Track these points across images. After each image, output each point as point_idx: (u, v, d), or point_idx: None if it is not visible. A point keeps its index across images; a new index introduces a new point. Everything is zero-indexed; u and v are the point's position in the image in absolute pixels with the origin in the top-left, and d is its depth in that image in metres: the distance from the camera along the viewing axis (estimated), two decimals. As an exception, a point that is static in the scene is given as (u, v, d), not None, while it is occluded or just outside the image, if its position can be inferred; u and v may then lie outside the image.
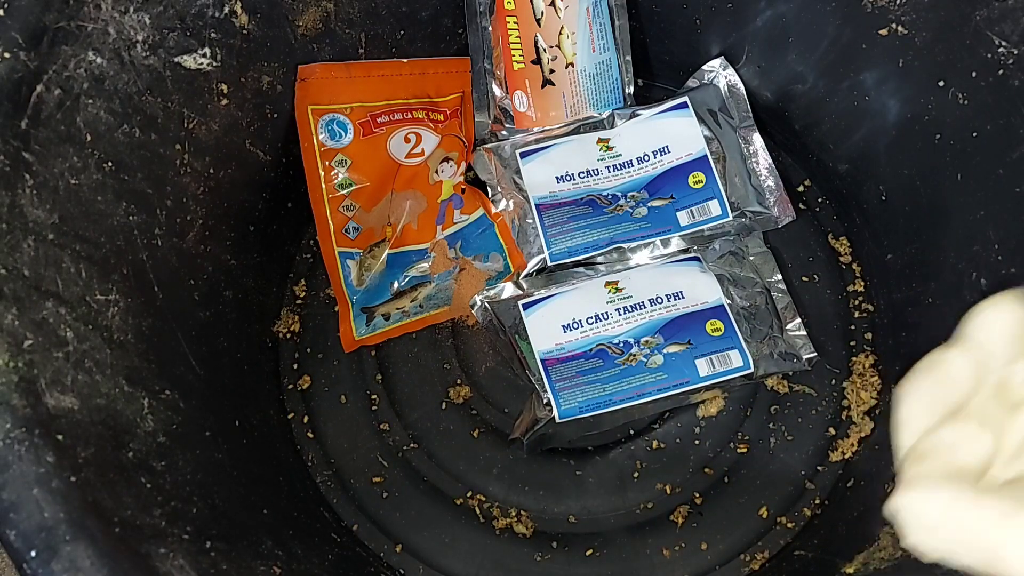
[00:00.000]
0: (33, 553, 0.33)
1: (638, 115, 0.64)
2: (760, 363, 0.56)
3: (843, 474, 0.57)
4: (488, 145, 0.64)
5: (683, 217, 0.61)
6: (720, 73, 0.65)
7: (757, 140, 0.64)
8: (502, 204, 0.62)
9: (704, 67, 0.65)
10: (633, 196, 0.62)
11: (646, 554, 0.56)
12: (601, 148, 0.63)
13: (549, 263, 0.60)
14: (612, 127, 0.64)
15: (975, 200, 0.49)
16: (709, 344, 0.56)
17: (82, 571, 0.33)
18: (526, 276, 0.61)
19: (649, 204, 0.61)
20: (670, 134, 0.63)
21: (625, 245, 0.61)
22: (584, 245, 0.60)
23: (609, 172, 0.63)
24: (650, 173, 0.62)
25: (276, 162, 0.60)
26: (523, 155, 0.63)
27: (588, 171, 0.63)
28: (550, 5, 0.62)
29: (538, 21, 0.62)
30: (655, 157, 0.63)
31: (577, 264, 0.62)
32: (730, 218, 0.61)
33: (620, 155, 0.63)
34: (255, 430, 0.54)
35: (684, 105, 0.64)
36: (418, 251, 0.63)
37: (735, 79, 0.64)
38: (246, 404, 0.55)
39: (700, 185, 0.62)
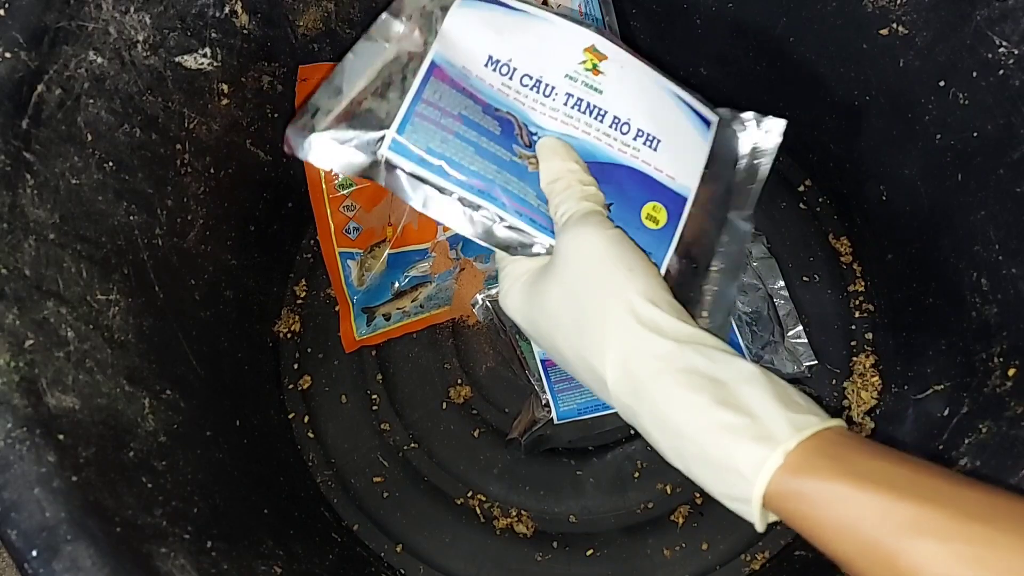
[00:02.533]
0: (34, 553, 0.33)
1: (658, 76, 0.45)
2: (760, 363, 0.56)
3: (843, 474, 0.57)
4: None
5: None
6: (753, 129, 0.48)
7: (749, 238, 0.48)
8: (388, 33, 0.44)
9: (743, 114, 0.49)
10: None
11: (646, 554, 0.56)
12: (587, 62, 0.44)
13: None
14: (617, 55, 0.44)
15: (975, 200, 0.49)
16: None
17: (83, 571, 0.33)
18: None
19: None
20: (670, 131, 0.44)
21: (495, 212, 0.42)
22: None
23: (566, 103, 0.43)
24: (610, 152, 0.43)
25: (276, 162, 0.60)
26: None
27: (540, 80, 0.43)
28: (543, 4, 0.61)
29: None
30: (633, 139, 0.43)
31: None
32: None
33: (601, 92, 0.43)
34: (256, 430, 0.54)
35: (707, 124, 0.46)
36: (419, 251, 0.63)
37: (766, 142, 0.49)
38: (247, 404, 0.55)
39: (652, 226, 0.43)
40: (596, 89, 0.43)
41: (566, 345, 0.38)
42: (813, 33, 0.57)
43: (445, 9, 0.43)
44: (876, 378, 0.58)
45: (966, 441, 0.46)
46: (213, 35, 0.51)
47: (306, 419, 0.61)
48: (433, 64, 0.42)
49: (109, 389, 0.40)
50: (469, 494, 0.58)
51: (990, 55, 0.46)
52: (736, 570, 0.56)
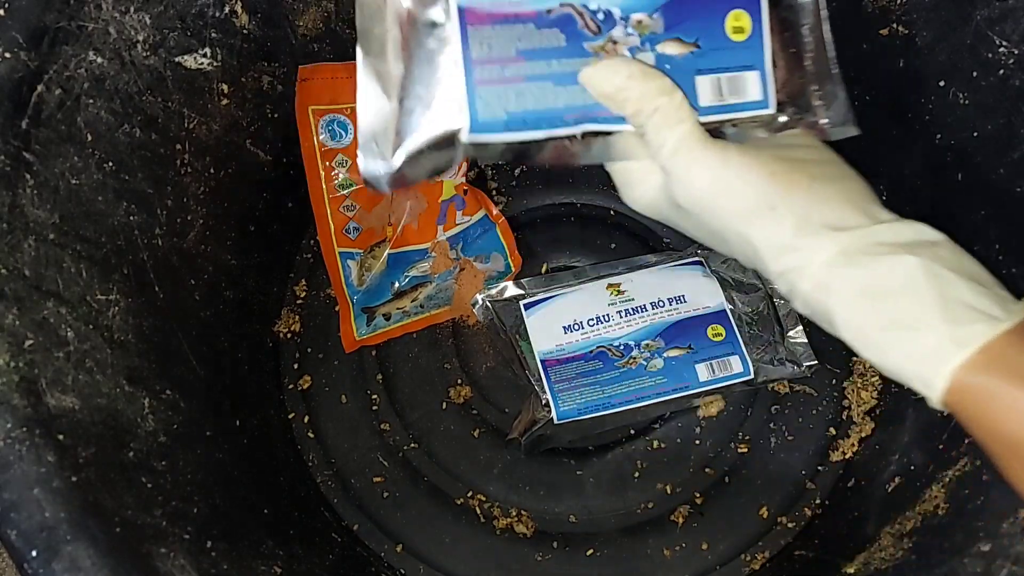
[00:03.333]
0: (34, 553, 0.33)
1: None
2: (760, 369, 0.56)
3: (843, 474, 0.57)
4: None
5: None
6: None
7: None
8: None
9: None
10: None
11: (646, 554, 0.56)
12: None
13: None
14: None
15: (975, 200, 0.49)
16: (710, 349, 0.56)
17: (83, 571, 0.33)
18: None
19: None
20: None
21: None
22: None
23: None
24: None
25: (276, 162, 0.60)
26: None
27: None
28: None
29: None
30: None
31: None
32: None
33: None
34: (256, 430, 0.54)
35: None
36: (419, 251, 0.63)
37: None
38: (247, 404, 0.55)
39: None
40: None
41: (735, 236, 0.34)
42: (813, 33, 0.57)
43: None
44: (876, 378, 0.58)
45: (966, 441, 0.46)
46: (213, 35, 0.51)
47: (306, 419, 0.61)
48: (461, 10, 0.34)
49: (109, 389, 0.40)
50: (469, 494, 0.58)
51: (990, 55, 0.46)
52: (736, 570, 0.56)
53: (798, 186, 0.34)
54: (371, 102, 0.34)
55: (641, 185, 0.37)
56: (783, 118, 0.39)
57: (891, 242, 0.34)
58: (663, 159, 0.34)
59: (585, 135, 0.36)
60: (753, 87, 0.38)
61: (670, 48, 0.36)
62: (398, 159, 0.34)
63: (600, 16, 0.36)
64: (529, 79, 0.35)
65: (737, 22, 0.37)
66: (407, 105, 0.34)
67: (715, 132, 0.37)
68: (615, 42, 0.35)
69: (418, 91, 0.34)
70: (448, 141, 0.35)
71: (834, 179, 0.36)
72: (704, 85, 0.37)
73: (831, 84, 0.41)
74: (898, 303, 0.32)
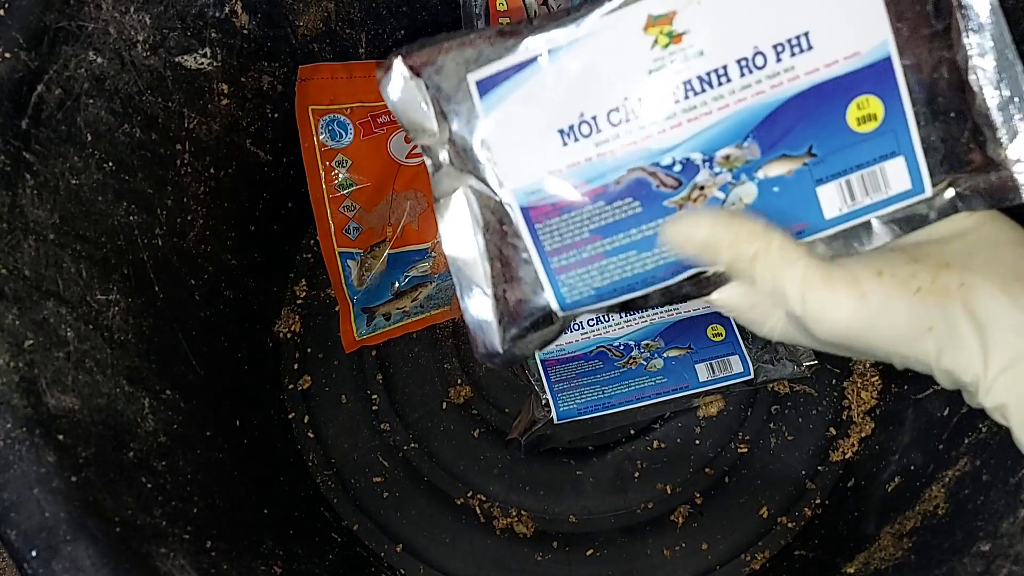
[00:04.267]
0: (34, 553, 0.33)
1: None
2: (760, 369, 0.56)
3: (843, 474, 0.57)
4: None
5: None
6: None
7: None
8: None
9: None
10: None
11: (646, 554, 0.56)
12: (658, 39, 0.49)
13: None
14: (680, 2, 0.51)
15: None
16: (710, 349, 0.56)
17: (83, 571, 0.33)
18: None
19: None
20: (811, 12, 0.33)
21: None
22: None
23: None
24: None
25: (276, 162, 0.60)
26: None
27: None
28: (542, 4, 0.62)
29: (531, 21, 0.62)
30: (777, 63, 0.34)
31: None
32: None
33: (702, 53, 0.34)
34: (256, 430, 0.54)
35: None
36: (419, 251, 0.63)
37: None
38: (247, 404, 0.55)
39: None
40: (696, 55, 0.31)
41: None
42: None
43: (471, 128, 0.33)
44: (876, 378, 0.58)
45: (966, 441, 0.46)
46: (213, 35, 0.51)
47: (306, 419, 0.61)
48: (523, 210, 0.33)
49: (109, 389, 0.40)
50: (469, 494, 0.58)
51: (990, 55, 0.46)
52: (736, 570, 0.56)
53: (949, 294, 0.30)
54: (470, 298, 0.34)
55: (767, 322, 0.33)
56: (949, 192, 0.32)
57: None
58: (788, 307, 0.31)
59: (690, 278, 0.33)
60: (898, 177, 0.32)
61: (775, 169, 0.32)
62: (504, 346, 0.34)
63: (677, 168, 0.32)
64: (609, 254, 0.33)
65: (863, 110, 0.31)
66: (502, 295, 0.34)
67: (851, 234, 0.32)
68: (702, 187, 0.32)
69: (509, 282, 0.34)
70: (547, 319, 0.35)
71: (988, 261, 0.31)
72: (829, 195, 0.32)
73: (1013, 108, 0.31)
74: None
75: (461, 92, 0.32)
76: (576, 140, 0.32)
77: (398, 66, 0.33)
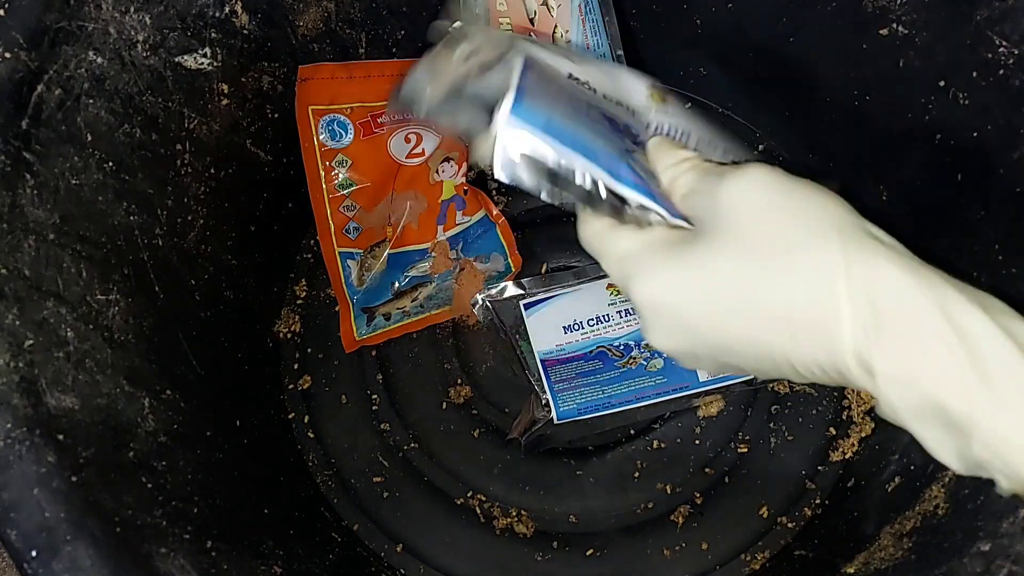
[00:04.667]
0: (34, 553, 0.33)
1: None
2: None
3: (843, 474, 0.57)
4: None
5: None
6: None
7: None
8: None
9: None
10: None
11: (646, 554, 0.56)
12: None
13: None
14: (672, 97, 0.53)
15: (975, 200, 0.49)
16: None
17: (83, 571, 0.33)
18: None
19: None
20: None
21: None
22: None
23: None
24: None
25: (277, 162, 0.60)
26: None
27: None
28: (542, 4, 0.62)
29: (531, 20, 0.62)
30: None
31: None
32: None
33: (675, 117, 0.48)
34: (256, 430, 0.54)
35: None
36: (419, 251, 0.63)
37: None
38: (247, 404, 0.55)
39: None
40: (674, 115, 0.42)
41: (752, 307, 0.30)
42: (813, 33, 0.57)
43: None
44: (876, 378, 0.58)
45: (966, 441, 0.46)
46: (213, 35, 0.51)
47: (306, 419, 0.61)
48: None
49: (109, 389, 0.40)
50: (469, 494, 0.58)
51: (990, 55, 0.46)
52: (736, 570, 0.56)
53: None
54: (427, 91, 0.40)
55: (651, 259, 0.35)
56: None
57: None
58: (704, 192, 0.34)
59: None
60: None
61: None
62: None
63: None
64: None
65: None
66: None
67: None
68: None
69: (476, 80, 0.39)
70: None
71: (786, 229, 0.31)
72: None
73: None
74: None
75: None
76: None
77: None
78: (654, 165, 0.38)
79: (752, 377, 0.56)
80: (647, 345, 0.56)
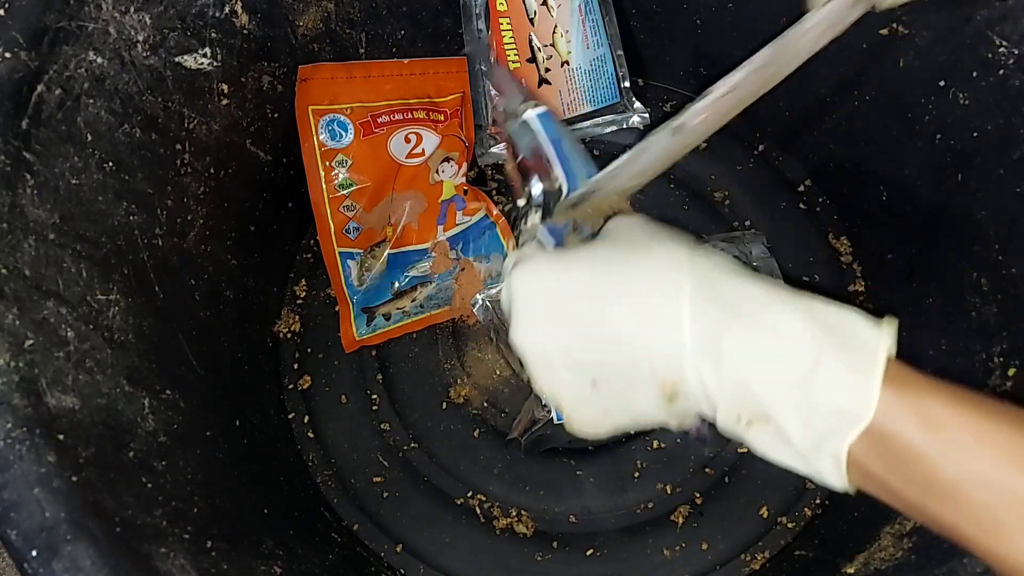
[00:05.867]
0: (34, 553, 0.33)
1: None
2: None
3: (843, 474, 0.57)
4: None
5: None
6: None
7: None
8: None
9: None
10: None
11: (646, 554, 0.56)
12: None
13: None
14: None
15: (975, 200, 0.49)
16: None
17: (83, 571, 0.33)
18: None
19: None
20: None
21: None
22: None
23: None
24: None
25: (276, 162, 0.60)
26: None
27: None
28: (542, 4, 0.62)
29: (531, 20, 0.62)
30: None
31: None
32: None
33: None
34: (256, 430, 0.54)
35: None
36: (418, 251, 0.63)
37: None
38: (247, 404, 0.55)
39: None
40: None
41: (611, 290, 0.34)
42: (813, 33, 0.57)
43: None
44: (876, 378, 0.58)
45: (966, 441, 0.45)
46: (213, 35, 0.51)
47: (306, 419, 0.61)
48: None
49: (109, 389, 0.40)
50: (469, 494, 0.58)
51: (990, 55, 0.46)
52: (736, 570, 0.56)
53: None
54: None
55: (533, 255, 0.39)
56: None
57: None
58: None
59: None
60: None
61: None
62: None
63: None
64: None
65: None
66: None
67: None
68: None
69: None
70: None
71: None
72: None
73: None
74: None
75: None
76: None
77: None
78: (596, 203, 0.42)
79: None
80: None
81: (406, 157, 0.62)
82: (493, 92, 0.63)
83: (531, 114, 0.46)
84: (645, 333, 0.33)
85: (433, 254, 0.63)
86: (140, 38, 0.46)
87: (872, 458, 0.30)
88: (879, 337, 0.31)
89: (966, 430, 0.28)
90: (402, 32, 0.62)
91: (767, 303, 0.32)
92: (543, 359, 0.36)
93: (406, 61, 0.61)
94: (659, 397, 0.34)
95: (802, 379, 0.30)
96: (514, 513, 0.57)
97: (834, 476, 0.31)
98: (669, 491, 0.58)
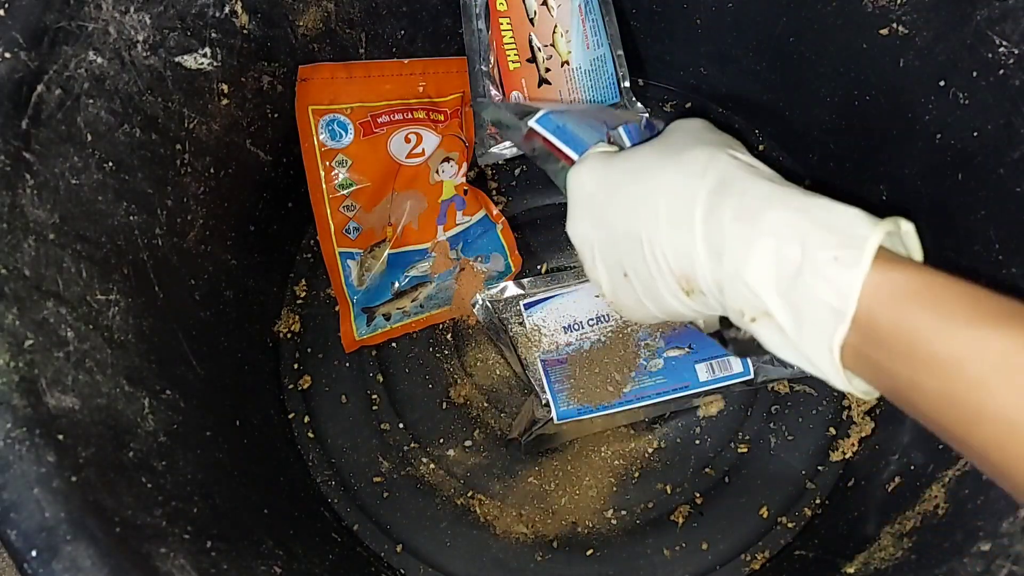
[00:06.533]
0: (34, 553, 0.33)
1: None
2: (760, 369, 0.56)
3: (843, 474, 0.57)
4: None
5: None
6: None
7: None
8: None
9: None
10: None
11: (646, 554, 0.56)
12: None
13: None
14: None
15: (975, 200, 0.49)
16: (710, 349, 0.56)
17: (83, 571, 0.33)
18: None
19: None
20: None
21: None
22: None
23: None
24: None
25: (276, 162, 0.60)
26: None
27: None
28: (542, 4, 0.61)
29: (531, 20, 0.62)
30: None
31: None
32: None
33: None
34: (256, 430, 0.54)
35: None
36: (419, 251, 0.63)
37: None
38: (247, 404, 0.55)
39: None
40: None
41: (638, 185, 0.37)
42: (813, 33, 0.57)
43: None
44: (876, 378, 0.58)
45: (966, 441, 0.45)
46: (213, 35, 0.51)
47: (306, 419, 0.61)
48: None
49: (109, 389, 0.40)
50: (469, 494, 0.58)
51: (990, 55, 0.46)
52: (736, 570, 0.56)
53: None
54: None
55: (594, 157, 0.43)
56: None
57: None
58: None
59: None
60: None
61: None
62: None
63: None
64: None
65: None
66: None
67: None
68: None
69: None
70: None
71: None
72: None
73: None
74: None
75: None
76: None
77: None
78: None
79: (752, 377, 0.56)
80: (647, 345, 0.56)
81: (406, 157, 0.62)
82: (493, 92, 0.63)
83: (530, 122, 0.49)
84: (661, 231, 0.36)
85: (433, 254, 0.63)
86: (140, 38, 0.46)
87: (866, 348, 0.30)
88: (872, 232, 0.31)
89: (957, 305, 0.28)
90: (402, 32, 0.62)
91: (770, 202, 0.33)
92: (586, 250, 0.42)
93: (406, 61, 0.61)
94: (679, 291, 0.37)
95: (793, 275, 0.31)
96: (514, 513, 0.57)
97: (832, 372, 0.32)
98: (669, 491, 0.58)
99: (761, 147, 0.67)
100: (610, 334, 0.57)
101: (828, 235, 0.31)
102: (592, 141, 0.45)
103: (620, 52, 0.64)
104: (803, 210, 0.32)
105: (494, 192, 0.66)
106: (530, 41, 0.63)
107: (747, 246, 0.33)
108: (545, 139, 0.48)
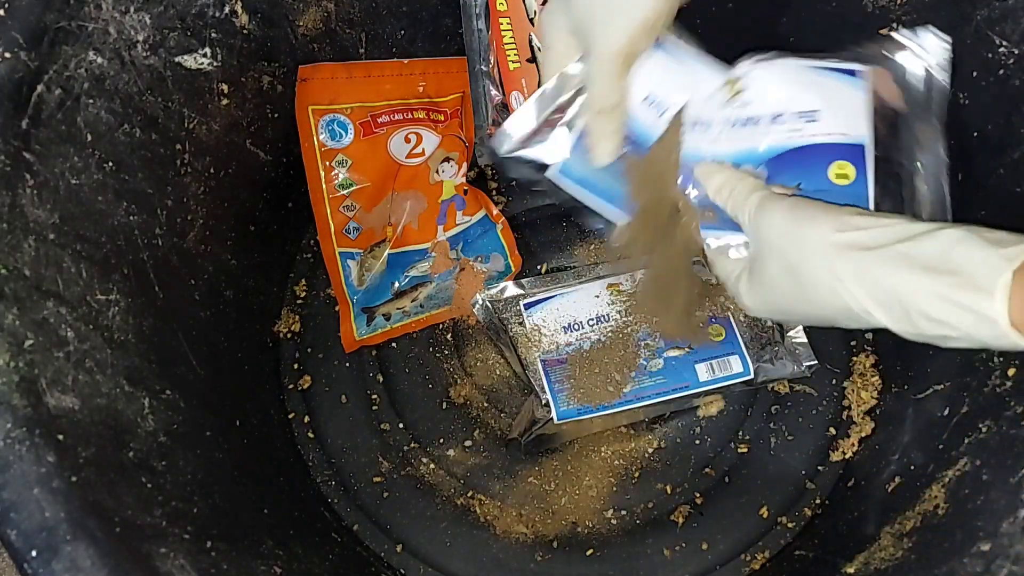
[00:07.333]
0: (34, 553, 0.33)
1: (790, 61, 0.50)
2: (760, 369, 0.56)
3: (843, 474, 0.57)
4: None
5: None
6: (914, 48, 0.47)
7: None
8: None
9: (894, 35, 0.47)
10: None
11: (646, 554, 0.56)
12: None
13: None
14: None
15: (975, 200, 0.49)
16: (710, 349, 0.56)
17: (83, 571, 0.33)
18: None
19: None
20: (823, 100, 0.48)
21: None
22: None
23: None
24: (779, 143, 0.51)
25: (276, 162, 0.60)
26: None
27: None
28: (542, 4, 0.61)
29: (531, 20, 0.62)
30: (792, 123, 0.49)
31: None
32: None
33: (747, 105, 0.50)
34: (256, 430, 0.54)
35: (854, 75, 0.48)
36: (419, 251, 0.63)
37: (932, 58, 0.46)
38: (247, 404, 0.55)
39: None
40: (744, 105, 0.46)
41: (800, 306, 0.40)
42: (813, 33, 0.57)
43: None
44: (876, 378, 0.58)
45: (966, 441, 0.46)
46: (213, 35, 0.51)
47: (306, 419, 0.61)
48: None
49: (109, 389, 0.40)
50: (469, 494, 0.58)
51: (990, 55, 0.46)
52: (736, 570, 0.56)
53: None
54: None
55: (738, 282, 0.44)
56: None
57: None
58: (746, 222, 0.42)
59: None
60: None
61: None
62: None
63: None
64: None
65: (841, 170, 0.44)
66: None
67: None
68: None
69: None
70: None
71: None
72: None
73: None
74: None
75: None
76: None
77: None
78: (707, 189, 0.46)
79: (752, 377, 0.56)
80: (647, 345, 0.56)
81: (406, 157, 0.62)
82: (493, 92, 0.63)
83: (552, 173, 0.50)
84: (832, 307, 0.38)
85: (433, 254, 0.63)
86: (140, 38, 0.46)
87: None
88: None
89: None
90: (402, 32, 0.62)
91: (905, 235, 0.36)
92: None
93: (406, 61, 0.61)
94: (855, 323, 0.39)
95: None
96: (514, 513, 0.57)
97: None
98: (669, 491, 0.58)
99: (761, 147, 0.67)
100: (610, 334, 0.57)
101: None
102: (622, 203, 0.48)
103: None
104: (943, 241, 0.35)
105: (494, 192, 0.66)
106: (530, 41, 0.63)
107: (898, 277, 0.35)
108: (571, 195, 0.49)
